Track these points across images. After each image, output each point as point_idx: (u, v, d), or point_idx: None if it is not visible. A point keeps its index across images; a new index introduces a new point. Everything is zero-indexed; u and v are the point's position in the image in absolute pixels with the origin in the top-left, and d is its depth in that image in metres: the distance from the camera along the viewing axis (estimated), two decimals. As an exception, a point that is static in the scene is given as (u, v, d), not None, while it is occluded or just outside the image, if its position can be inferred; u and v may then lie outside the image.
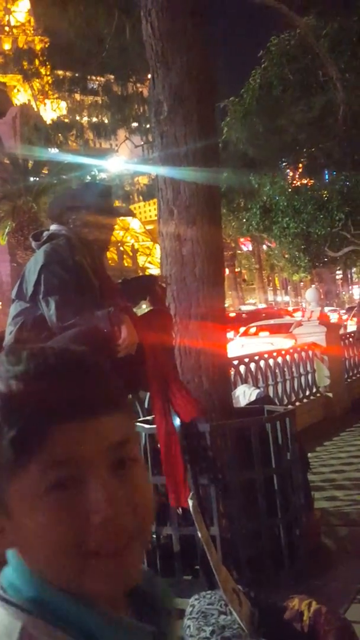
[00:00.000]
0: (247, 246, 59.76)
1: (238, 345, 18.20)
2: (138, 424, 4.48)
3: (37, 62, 26.68)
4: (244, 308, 46.71)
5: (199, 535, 2.85)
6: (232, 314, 29.92)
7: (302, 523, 4.35)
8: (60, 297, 3.42)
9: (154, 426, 4.37)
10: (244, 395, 6.37)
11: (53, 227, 3.83)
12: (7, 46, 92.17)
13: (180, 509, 4.07)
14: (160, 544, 4.17)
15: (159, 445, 4.01)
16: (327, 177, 24.45)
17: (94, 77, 22.43)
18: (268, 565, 4.05)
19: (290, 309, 42.07)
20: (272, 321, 23.07)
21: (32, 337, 3.53)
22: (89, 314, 3.40)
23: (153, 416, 4.04)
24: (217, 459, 4.08)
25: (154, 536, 4.19)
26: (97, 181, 25.13)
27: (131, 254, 79.94)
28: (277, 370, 8.99)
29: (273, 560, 4.07)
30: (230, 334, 20.63)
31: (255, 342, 18.03)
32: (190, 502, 2.98)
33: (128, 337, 3.38)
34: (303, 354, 9.97)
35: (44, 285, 3.47)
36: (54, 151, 30.48)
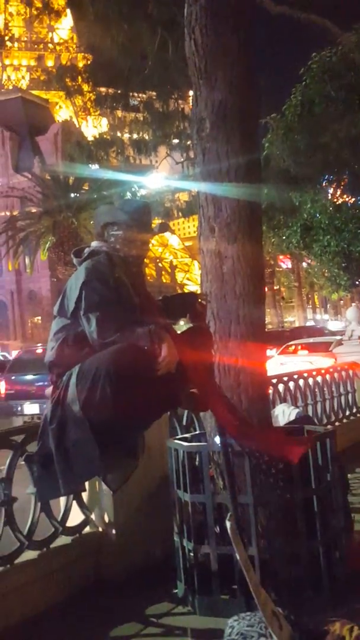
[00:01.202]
0: (286, 264, 59.52)
1: (277, 364, 18.11)
2: (176, 441, 4.47)
3: (79, 79, 26.96)
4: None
5: (237, 556, 2.82)
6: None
7: (342, 545, 4.29)
8: (101, 314, 3.43)
9: (193, 444, 4.36)
10: (283, 414, 6.32)
11: (94, 244, 3.86)
12: (50, 63, 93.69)
13: (218, 528, 4.04)
14: (198, 562, 4.13)
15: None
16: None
17: (135, 94, 22.61)
18: (307, 588, 3.99)
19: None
20: (311, 339, 22.92)
21: (73, 353, 3.55)
22: (130, 331, 3.40)
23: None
24: (256, 478, 4.03)
25: (192, 554, 4.16)
26: (136, 197, 25.26)
27: (169, 270, 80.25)
28: (316, 390, 8.90)
29: (312, 583, 4.01)
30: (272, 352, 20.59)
31: (294, 361, 17.93)
32: (228, 523, 2.95)
33: (168, 355, 3.38)
34: (343, 373, 9.87)
35: (85, 302, 3.49)
36: (94, 167, 30.72)
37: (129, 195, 27.58)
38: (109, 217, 3.92)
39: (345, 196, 24.99)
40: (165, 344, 3.36)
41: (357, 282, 29.80)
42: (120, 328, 3.40)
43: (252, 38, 4.77)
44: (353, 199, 24.52)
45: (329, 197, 24.44)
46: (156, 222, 4.35)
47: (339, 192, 25.08)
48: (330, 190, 24.81)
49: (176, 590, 4.36)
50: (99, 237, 3.87)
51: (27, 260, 56.18)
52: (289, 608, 2.80)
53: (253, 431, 3.96)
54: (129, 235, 3.81)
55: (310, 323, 54.66)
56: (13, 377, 16.53)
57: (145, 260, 4.19)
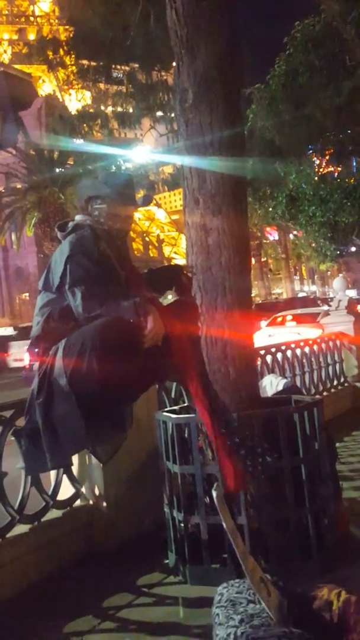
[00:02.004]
0: (273, 235, 59.46)
1: (265, 335, 18.16)
2: (164, 413, 4.49)
3: (61, 51, 26.65)
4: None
5: (224, 525, 2.85)
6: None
7: (330, 513, 4.34)
8: (86, 288, 3.43)
9: (181, 416, 4.37)
10: (271, 385, 6.35)
11: (78, 218, 3.85)
12: (31, 36, 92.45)
13: (207, 498, 4.07)
14: (189, 533, 4.17)
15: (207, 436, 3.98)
16: (354, 164, 24.17)
17: (118, 66, 22.40)
18: (296, 554, 4.04)
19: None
20: (299, 310, 22.96)
21: (59, 328, 3.55)
22: (115, 305, 3.40)
23: (196, 406, 4.01)
24: (244, 448, 4.06)
25: (182, 525, 4.20)
26: (120, 170, 25.10)
27: (157, 244, 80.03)
28: (304, 360, 8.94)
29: (301, 549, 4.06)
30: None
31: (282, 332, 17.98)
32: (214, 493, 2.98)
33: (154, 327, 3.38)
34: (331, 343, 9.90)
35: (70, 276, 3.48)
36: (79, 141, 30.46)
37: (113, 168, 27.40)
38: (93, 190, 3.90)
39: (330, 166, 24.88)
40: (151, 316, 3.37)
41: (343, 253, 29.82)
42: (105, 302, 3.40)
43: (234, 6, 4.72)
44: (338, 169, 24.41)
45: (314, 168, 24.34)
46: (141, 194, 4.33)
47: (324, 163, 24.98)
48: (316, 161, 24.71)
49: (167, 561, 4.41)
50: (82, 210, 3.86)
51: (13, 237, 55.82)
52: (278, 575, 2.83)
53: (216, 418, 3.95)
54: (113, 209, 3.80)
55: (302, 294, 54.75)
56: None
57: (130, 233, 4.18)
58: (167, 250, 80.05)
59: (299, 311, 22.85)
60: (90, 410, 3.38)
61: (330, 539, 4.24)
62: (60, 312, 3.56)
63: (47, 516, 4.58)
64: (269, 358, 8.07)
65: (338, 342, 10.09)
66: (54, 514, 4.65)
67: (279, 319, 21.90)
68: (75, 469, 4.85)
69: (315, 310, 21.50)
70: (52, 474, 4.71)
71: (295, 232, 38.61)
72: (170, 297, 4.40)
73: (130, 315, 3.35)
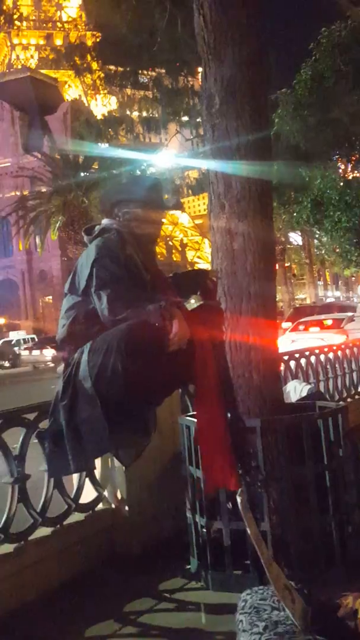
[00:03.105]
0: (297, 241, 59.27)
1: (288, 341, 18.11)
2: (188, 418, 4.48)
3: (88, 57, 26.88)
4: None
5: (249, 532, 2.83)
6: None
7: (354, 520, 4.31)
8: (112, 291, 3.43)
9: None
10: (295, 390, 6.33)
11: (104, 222, 3.85)
12: (58, 42, 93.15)
13: (230, 504, 4.06)
14: (211, 538, 4.16)
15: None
16: (380, 169, 24.06)
17: (144, 72, 22.48)
18: (320, 562, 4.02)
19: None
20: (322, 316, 22.86)
21: (84, 331, 3.56)
22: (141, 308, 3.40)
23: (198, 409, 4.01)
24: (267, 454, 4.05)
25: (204, 530, 4.19)
26: (147, 175, 25.18)
27: (180, 248, 80.00)
28: (328, 366, 8.89)
29: (325, 557, 4.04)
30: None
31: (305, 338, 17.93)
32: (238, 499, 2.96)
33: (179, 331, 3.38)
34: (355, 349, 9.84)
35: (96, 279, 3.49)
36: (104, 146, 30.65)
37: (139, 173, 27.49)
38: (121, 194, 3.91)
39: (355, 172, 24.78)
40: (177, 320, 3.36)
41: (368, 259, 29.64)
42: (131, 305, 3.40)
43: (260, 12, 4.72)
44: (364, 175, 24.32)
45: (340, 173, 24.25)
46: (165, 198, 4.32)
47: (349, 168, 24.88)
48: (341, 166, 24.62)
49: (189, 566, 4.39)
50: (107, 215, 3.86)
51: (37, 240, 56.14)
52: (301, 582, 2.81)
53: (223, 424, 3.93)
54: (143, 213, 3.80)
55: (330, 300, 54.62)
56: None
57: (157, 238, 4.19)
58: (190, 255, 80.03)
59: (322, 317, 22.73)
60: (114, 414, 3.38)
61: (354, 546, 4.21)
62: (85, 315, 3.57)
63: (69, 519, 4.59)
64: (292, 364, 8.03)
65: (363, 349, 10.02)
66: (76, 517, 4.66)
67: (302, 326, 21.81)
68: (97, 472, 4.86)
69: (339, 316, 21.38)
70: (75, 477, 4.72)
71: (319, 237, 38.44)
72: (193, 302, 4.39)
73: (156, 318, 3.35)
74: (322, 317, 22.72)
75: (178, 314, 3.42)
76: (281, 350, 7.48)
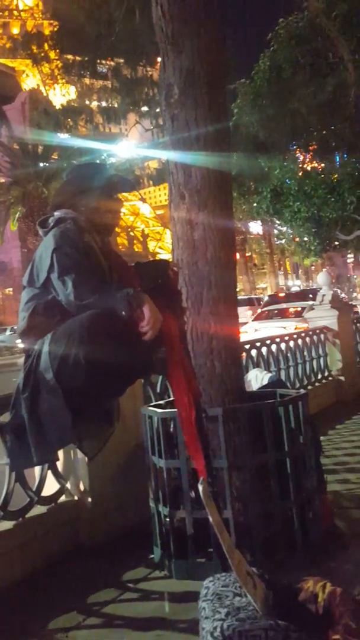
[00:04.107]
0: (258, 231, 59.56)
1: (251, 330, 18.24)
2: (150, 408, 4.49)
3: (46, 46, 26.58)
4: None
5: (210, 519, 2.86)
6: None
7: (315, 506, 4.36)
8: (76, 276, 3.38)
9: (167, 410, 4.37)
10: (256, 379, 6.37)
11: (58, 213, 3.80)
12: (15, 30, 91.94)
13: (193, 493, 4.08)
14: (174, 527, 4.18)
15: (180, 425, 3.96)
16: (338, 160, 24.24)
17: (103, 61, 22.34)
18: (281, 547, 4.06)
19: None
20: (284, 305, 23.07)
21: (44, 322, 3.53)
22: (107, 295, 3.35)
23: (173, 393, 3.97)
24: (230, 443, 4.08)
25: (167, 519, 4.21)
26: (100, 163, 25.02)
27: (141, 239, 79.89)
28: (289, 354, 8.98)
29: (286, 542, 4.09)
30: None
31: (268, 326, 18.09)
32: (200, 487, 2.98)
33: (152, 317, 3.33)
34: (315, 337, 9.95)
35: (58, 266, 3.43)
36: (63, 136, 30.40)
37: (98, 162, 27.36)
38: (82, 185, 3.87)
39: (314, 162, 24.95)
40: (147, 306, 3.32)
41: (327, 248, 29.91)
42: (97, 290, 3.36)
43: (219, 2, 4.72)
44: (322, 165, 24.47)
45: (298, 163, 24.39)
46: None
47: (308, 158, 25.04)
48: (300, 157, 24.76)
49: (152, 556, 4.41)
50: (63, 206, 3.81)
51: (-4, 231, 55.62)
52: (263, 568, 2.84)
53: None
54: (99, 202, 3.77)
55: (295, 289, 55.17)
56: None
57: (116, 229, 4.15)
58: (152, 245, 79.93)
59: (284, 305, 22.93)
60: (77, 404, 3.36)
61: (315, 532, 4.26)
62: (45, 307, 3.53)
63: (32, 512, 4.57)
64: (254, 352, 8.09)
65: (322, 336, 10.14)
66: (38, 510, 4.65)
67: (265, 314, 21.99)
68: (60, 464, 4.85)
69: (302, 305, 21.57)
70: (37, 469, 4.70)
71: (280, 227, 38.68)
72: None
73: (124, 305, 3.31)
74: (285, 305, 22.91)
75: (148, 300, 3.38)
76: (245, 338, 7.51)
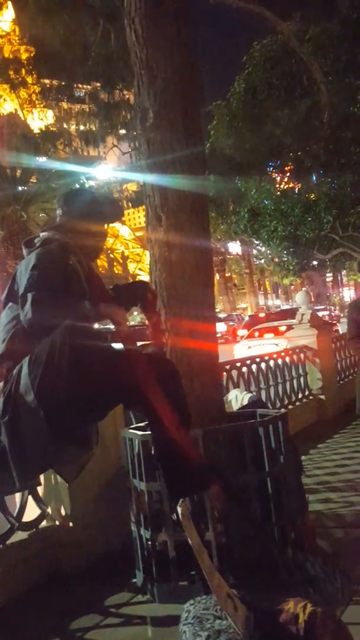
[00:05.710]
0: (237, 251, 59.81)
1: (244, 348, 18.43)
2: (131, 431, 4.48)
3: (23, 71, 26.67)
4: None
5: (190, 542, 2.85)
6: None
7: (297, 526, 4.36)
8: (38, 293, 3.30)
9: (148, 433, 4.35)
10: (236, 399, 6.38)
11: (44, 234, 3.79)
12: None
13: (175, 515, 4.06)
14: (156, 550, 4.16)
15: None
16: (314, 179, 24.49)
17: (80, 85, 22.44)
18: (264, 569, 4.04)
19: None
20: (276, 323, 23.34)
21: (24, 346, 3.48)
22: (71, 311, 3.32)
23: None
24: (210, 464, 4.07)
25: (149, 543, 4.19)
26: (83, 188, 25.07)
27: (121, 261, 79.87)
28: (269, 374, 9.00)
29: (269, 564, 4.06)
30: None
31: (260, 344, 18.27)
32: (179, 509, 2.97)
33: (122, 321, 3.35)
34: (295, 356, 9.98)
35: (28, 283, 3.37)
36: (42, 159, 30.45)
37: (77, 187, 27.41)
38: (60, 209, 3.88)
39: (290, 182, 25.16)
40: (116, 312, 3.35)
41: (305, 267, 30.12)
42: (60, 312, 3.30)
43: (192, 26, 4.78)
44: (298, 185, 24.68)
45: (275, 183, 24.59)
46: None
47: (284, 178, 25.24)
48: (277, 177, 24.96)
49: (135, 580, 4.38)
50: (50, 228, 3.82)
51: (-25, 256, 55.34)
52: (245, 590, 2.83)
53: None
54: (80, 226, 3.78)
55: (285, 307, 55.68)
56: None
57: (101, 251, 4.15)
58: (132, 267, 79.95)
59: (276, 323, 23.17)
60: (59, 426, 3.33)
61: (296, 552, 4.25)
62: (24, 330, 3.50)
63: (13, 538, 4.53)
64: (234, 372, 8.10)
65: (302, 355, 10.17)
66: (19, 535, 4.60)
67: (257, 333, 22.35)
68: (40, 489, 4.82)
69: (293, 322, 21.82)
70: (17, 495, 4.66)
71: (259, 247, 38.87)
72: (135, 314, 4.40)
73: (92, 315, 3.30)
74: (276, 323, 23.13)
75: (117, 308, 3.41)
76: (238, 356, 7.51)
